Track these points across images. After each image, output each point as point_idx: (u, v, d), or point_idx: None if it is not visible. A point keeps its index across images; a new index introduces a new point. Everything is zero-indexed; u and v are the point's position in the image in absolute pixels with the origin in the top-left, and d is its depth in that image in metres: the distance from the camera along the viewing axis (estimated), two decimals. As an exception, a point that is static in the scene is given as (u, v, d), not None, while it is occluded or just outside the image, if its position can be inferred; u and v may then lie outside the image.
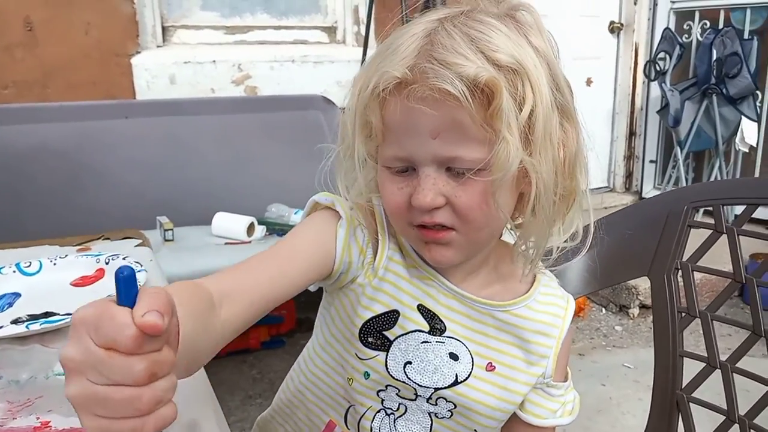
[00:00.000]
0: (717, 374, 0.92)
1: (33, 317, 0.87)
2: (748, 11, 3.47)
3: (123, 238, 1.24)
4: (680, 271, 0.96)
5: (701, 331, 0.93)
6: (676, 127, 3.56)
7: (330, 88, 2.81)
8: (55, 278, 1.02)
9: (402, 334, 0.68)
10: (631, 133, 4.16)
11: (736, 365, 0.90)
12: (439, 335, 0.69)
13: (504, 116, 0.56)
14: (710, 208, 0.95)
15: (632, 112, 4.12)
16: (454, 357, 0.69)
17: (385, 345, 0.68)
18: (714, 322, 0.93)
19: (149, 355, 0.38)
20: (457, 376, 0.69)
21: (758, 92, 3.39)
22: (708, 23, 3.64)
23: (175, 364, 0.40)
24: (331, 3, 3.04)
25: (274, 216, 2.38)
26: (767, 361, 1.10)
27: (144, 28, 2.64)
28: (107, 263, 1.05)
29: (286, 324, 2.56)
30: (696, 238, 0.96)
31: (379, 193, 0.66)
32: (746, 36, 3.41)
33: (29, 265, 1.04)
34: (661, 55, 3.65)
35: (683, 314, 0.96)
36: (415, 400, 0.70)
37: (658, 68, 3.64)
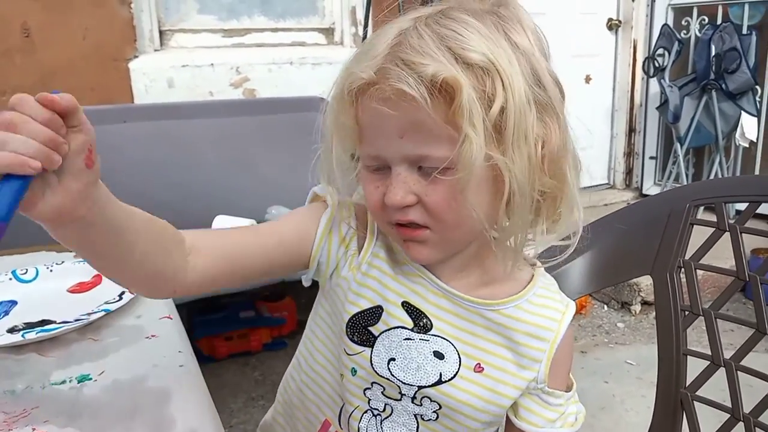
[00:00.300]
0: (721, 371, 0.91)
1: (29, 325, 0.87)
2: (746, 6, 3.46)
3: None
4: (683, 269, 0.95)
5: (704, 327, 0.92)
6: (676, 123, 3.55)
7: (328, 90, 2.78)
8: (52, 285, 1.01)
9: (385, 330, 0.69)
10: (631, 130, 4.15)
11: (740, 363, 0.89)
12: (424, 333, 0.68)
13: (466, 114, 0.56)
14: (712, 206, 0.94)
15: (631, 109, 4.11)
16: (438, 355, 0.68)
17: (370, 341, 0.69)
18: (717, 319, 0.92)
19: (22, 115, 0.45)
20: (441, 375, 0.68)
21: (757, 87, 3.39)
22: (706, 19, 3.64)
23: (44, 137, 0.45)
24: (328, 5, 3.04)
25: (274, 218, 2.37)
26: (771, 358, 1.09)
27: (141, 32, 2.64)
28: (105, 269, 1.04)
29: (288, 326, 2.56)
30: (698, 235, 0.95)
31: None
32: (745, 31, 3.40)
33: (25, 272, 1.03)
34: (660, 51, 3.64)
35: (686, 312, 0.95)
36: (400, 400, 0.70)
37: (656, 64, 3.63)
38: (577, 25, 3.80)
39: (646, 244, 0.98)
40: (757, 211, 0.90)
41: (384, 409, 0.71)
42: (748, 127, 3.40)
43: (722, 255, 0.94)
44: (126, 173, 2.44)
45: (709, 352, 0.92)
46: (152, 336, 0.85)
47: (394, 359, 0.68)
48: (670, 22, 3.76)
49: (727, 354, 0.91)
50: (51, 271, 1.04)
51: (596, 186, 4.19)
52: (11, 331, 0.85)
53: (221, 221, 2.25)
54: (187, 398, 0.70)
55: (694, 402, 0.94)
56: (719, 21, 3.52)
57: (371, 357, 0.69)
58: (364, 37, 2.64)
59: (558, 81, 0.63)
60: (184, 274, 0.62)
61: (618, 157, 4.20)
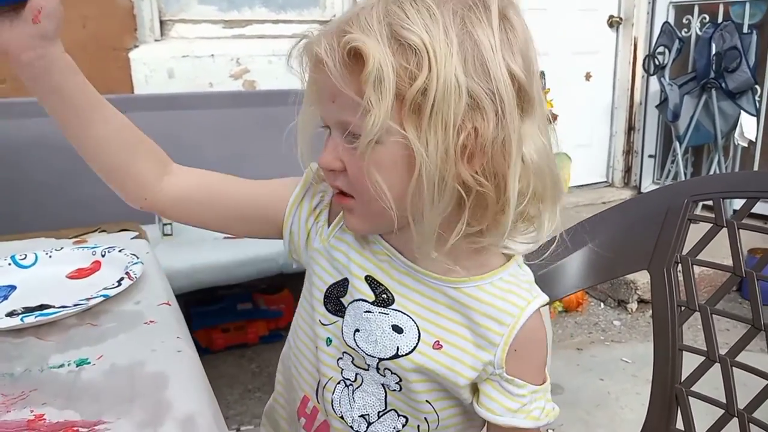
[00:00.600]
0: (716, 368, 0.92)
1: (28, 310, 0.87)
2: (747, 5, 3.46)
3: (119, 231, 1.23)
4: (680, 264, 0.96)
5: (699, 326, 0.93)
6: (675, 121, 3.56)
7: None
8: (51, 271, 1.01)
9: (352, 302, 0.71)
10: (630, 128, 4.15)
11: (735, 359, 0.90)
12: (384, 307, 0.69)
13: (371, 83, 0.56)
14: (710, 202, 0.94)
15: (631, 107, 4.11)
16: (397, 329, 0.69)
17: (341, 311, 0.72)
18: (713, 316, 0.93)
19: None
20: (398, 348, 0.68)
21: (757, 86, 3.39)
22: (707, 17, 3.64)
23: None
24: (329, -4, 3.03)
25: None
26: (765, 356, 1.10)
27: (142, 21, 2.63)
28: (103, 256, 1.04)
29: (285, 318, 2.56)
30: (695, 232, 0.95)
31: None
32: (745, 30, 3.40)
33: (24, 258, 1.03)
34: (660, 49, 3.64)
35: (683, 308, 0.95)
36: (368, 370, 0.71)
37: (657, 62, 3.64)
38: (577, 22, 3.79)
39: (644, 240, 0.99)
40: (755, 211, 0.91)
41: (355, 379, 0.72)
42: (747, 126, 3.41)
43: (719, 253, 0.94)
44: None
45: (705, 349, 0.93)
46: (151, 322, 0.85)
47: (358, 330, 0.70)
48: (671, 20, 3.76)
49: (723, 352, 0.92)
50: (50, 257, 1.04)
51: (595, 184, 4.20)
52: (10, 315, 0.85)
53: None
54: (185, 383, 0.70)
55: (689, 397, 0.95)
56: (720, 19, 3.52)
57: (342, 327, 0.71)
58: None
59: (520, 80, 0.60)
60: (157, 187, 0.72)
61: (617, 155, 4.20)
